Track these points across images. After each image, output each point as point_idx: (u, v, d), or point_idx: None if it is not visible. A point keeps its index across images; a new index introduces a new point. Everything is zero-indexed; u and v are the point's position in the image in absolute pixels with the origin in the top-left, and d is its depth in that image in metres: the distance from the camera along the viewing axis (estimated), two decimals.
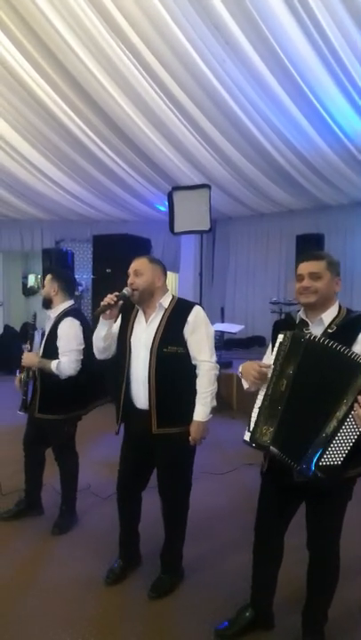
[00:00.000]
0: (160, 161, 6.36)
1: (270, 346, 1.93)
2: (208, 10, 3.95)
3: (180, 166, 6.43)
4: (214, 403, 2.24)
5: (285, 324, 1.96)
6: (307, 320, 1.84)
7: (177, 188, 6.35)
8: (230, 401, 5.69)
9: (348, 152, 5.61)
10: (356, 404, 1.54)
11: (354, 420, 1.56)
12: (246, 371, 1.84)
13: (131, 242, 6.18)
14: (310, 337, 1.66)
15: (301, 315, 1.88)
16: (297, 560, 1.97)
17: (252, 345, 7.81)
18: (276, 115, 5.12)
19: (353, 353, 1.58)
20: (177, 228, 6.28)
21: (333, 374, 1.60)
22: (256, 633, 2.05)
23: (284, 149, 5.73)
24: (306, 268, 1.82)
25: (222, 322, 7.61)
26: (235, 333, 6.52)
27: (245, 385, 1.89)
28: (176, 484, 2.30)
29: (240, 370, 1.89)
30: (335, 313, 1.82)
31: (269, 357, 1.85)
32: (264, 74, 4.54)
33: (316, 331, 1.80)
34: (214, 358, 2.23)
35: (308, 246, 6.39)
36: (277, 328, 1.91)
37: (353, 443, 1.57)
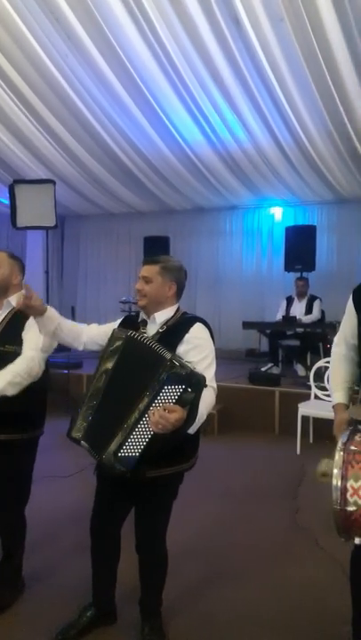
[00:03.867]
0: (0, 151, 5.96)
1: None
2: (48, 1, 3.83)
3: (22, 158, 6.10)
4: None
5: (130, 321, 2.00)
6: (146, 319, 1.92)
7: (19, 181, 6.02)
8: (79, 400, 5.60)
9: (189, 158, 5.96)
10: (154, 404, 1.55)
11: (149, 416, 1.56)
12: None
13: None
14: (131, 334, 1.71)
15: (142, 314, 1.95)
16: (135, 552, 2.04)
17: None
18: (118, 114, 5.19)
19: (161, 348, 1.64)
20: (19, 223, 5.97)
21: (142, 368, 1.65)
22: (99, 630, 2.05)
23: (128, 150, 5.83)
24: (141, 271, 1.91)
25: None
26: None
27: None
28: (7, 494, 2.18)
29: None
30: (171, 314, 1.90)
31: None
32: (106, 72, 4.57)
33: (150, 329, 1.87)
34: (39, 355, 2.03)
35: (155, 248, 6.66)
36: (122, 324, 1.96)
37: (151, 436, 1.58)
